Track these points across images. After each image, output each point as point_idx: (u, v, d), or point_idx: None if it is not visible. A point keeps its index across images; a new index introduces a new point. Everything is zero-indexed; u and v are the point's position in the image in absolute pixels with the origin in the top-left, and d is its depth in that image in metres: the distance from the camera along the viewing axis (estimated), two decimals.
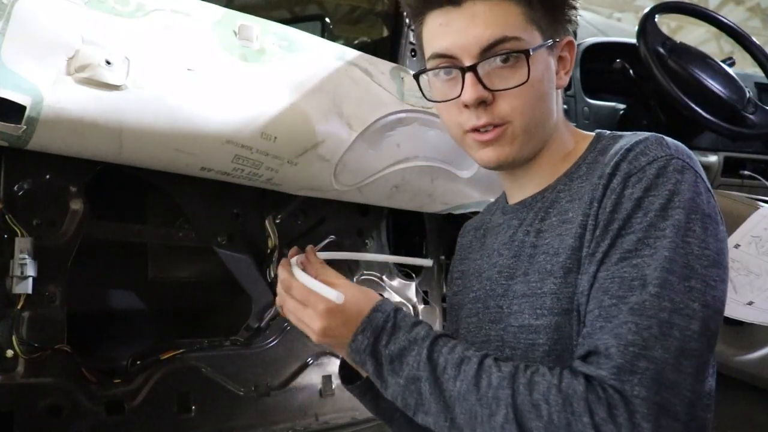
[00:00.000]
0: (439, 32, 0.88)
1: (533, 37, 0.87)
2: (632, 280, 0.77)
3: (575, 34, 0.97)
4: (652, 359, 0.72)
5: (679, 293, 0.75)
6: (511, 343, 0.89)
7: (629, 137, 0.88)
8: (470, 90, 0.86)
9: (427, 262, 1.21)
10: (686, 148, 0.86)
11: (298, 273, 0.89)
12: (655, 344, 0.73)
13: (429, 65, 0.91)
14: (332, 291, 0.84)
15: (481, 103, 0.86)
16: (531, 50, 0.85)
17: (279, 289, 0.92)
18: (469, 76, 0.85)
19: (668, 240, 0.77)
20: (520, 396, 0.75)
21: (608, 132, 0.96)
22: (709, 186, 0.85)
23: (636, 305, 0.75)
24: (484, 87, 0.85)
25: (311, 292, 0.86)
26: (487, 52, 0.85)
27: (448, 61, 0.88)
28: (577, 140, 0.96)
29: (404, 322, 0.85)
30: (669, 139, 0.86)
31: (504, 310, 0.92)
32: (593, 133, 0.97)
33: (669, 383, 0.72)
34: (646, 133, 0.88)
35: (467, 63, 0.86)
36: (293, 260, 0.93)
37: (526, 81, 0.85)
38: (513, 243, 0.96)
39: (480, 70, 0.85)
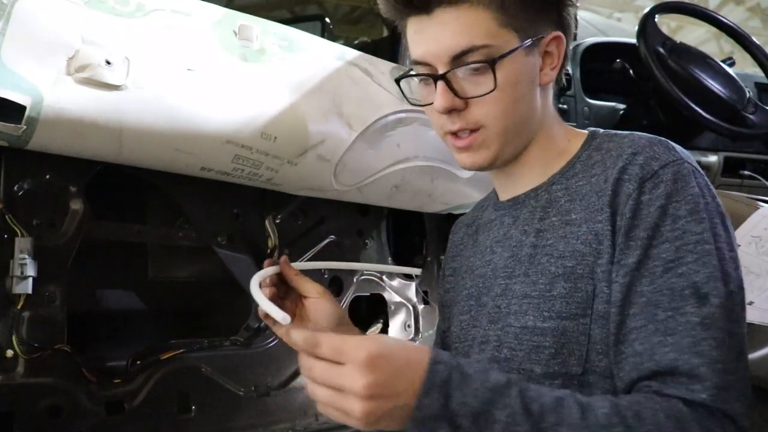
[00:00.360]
0: (415, 39, 0.89)
1: (507, 41, 0.86)
2: (683, 290, 0.77)
3: (573, 30, 0.96)
4: (734, 371, 0.75)
5: (729, 300, 0.77)
6: (511, 344, 0.88)
7: (628, 138, 0.89)
8: (440, 98, 0.87)
9: (416, 271, 1.18)
10: (687, 152, 0.88)
11: (254, 290, 0.84)
12: (732, 355, 0.75)
13: (412, 70, 0.93)
14: (278, 311, 0.76)
15: (453, 110, 0.88)
16: (497, 58, 0.84)
17: (301, 358, 0.71)
18: (440, 84, 0.87)
19: (708, 246, 0.78)
20: (634, 429, 0.69)
21: (601, 130, 0.96)
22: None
23: (706, 319, 0.75)
24: (456, 94, 0.87)
25: (344, 341, 0.68)
26: (457, 60, 0.86)
27: (425, 68, 0.89)
28: (569, 137, 0.96)
29: (472, 369, 0.71)
30: (671, 143, 0.87)
31: (502, 309, 0.91)
32: (586, 131, 0.96)
33: (745, 389, 0.76)
34: (645, 135, 0.88)
35: (440, 71, 0.87)
36: (255, 277, 0.87)
37: (493, 89, 0.85)
38: (508, 241, 0.95)
39: (451, 77, 0.87)
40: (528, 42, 0.87)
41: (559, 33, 0.91)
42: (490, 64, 0.85)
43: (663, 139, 0.87)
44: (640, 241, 0.80)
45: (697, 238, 0.79)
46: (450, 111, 0.88)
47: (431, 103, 0.89)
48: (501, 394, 0.69)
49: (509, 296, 0.90)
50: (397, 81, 0.95)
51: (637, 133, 0.90)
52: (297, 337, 0.70)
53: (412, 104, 0.96)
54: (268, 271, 0.94)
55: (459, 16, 0.85)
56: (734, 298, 0.78)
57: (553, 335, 0.84)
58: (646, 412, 0.71)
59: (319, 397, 0.69)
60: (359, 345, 0.67)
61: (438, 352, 0.71)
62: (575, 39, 0.90)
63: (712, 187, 0.85)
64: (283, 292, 0.98)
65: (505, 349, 0.88)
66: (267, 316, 0.89)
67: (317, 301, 0.98)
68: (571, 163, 0.92)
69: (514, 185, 0.97)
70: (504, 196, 1.00)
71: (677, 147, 0.86)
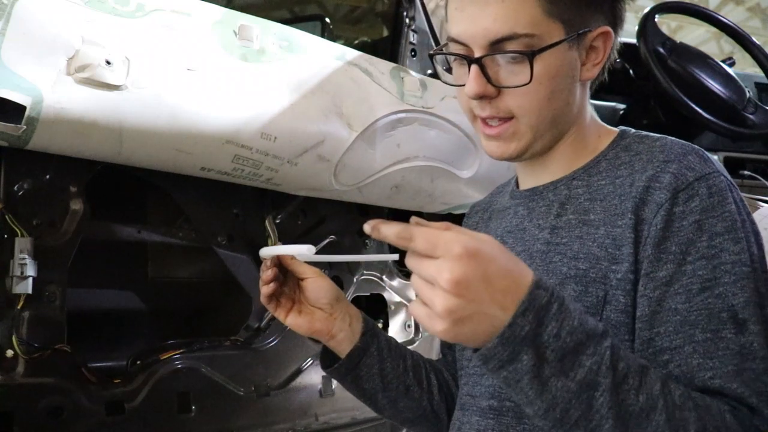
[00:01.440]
0: (454, 16, 0.85)
1: (551, 31, 0.82)
2: (720, 312, 0.74)
3: (622, 25, 0.92)
4: None
5: (765, 323, 0.75)
6: None
7: (660, 142, 0.85)
8: (472, 84, 0.83)
9: (393, 257, 1.16)
10: (719, 163, 0.85)
11: (267, 251, 0.86)
12: None
13: (447, 48, 0.88)
14: (301, 246, 0.79)
15: (485, 96, 0.84)
16: (536, 51, 0.80)
17: (409, 256, 0.65)
18: (474, 68, 0.83)
19: (746, 268, 0.76)
20: (702, 421, 0.68)
21: (632, 130, 0.92)
22: None
23: (744, 349, 0.73)
24: (489, 81, 0.83)
25: (439, 234, 0.62)
26: (495, 46, 0.81)
27: (460, 48, 0.85)
28: (600, 134, 0.92)
29: (573, 306, 0.66)
30: (705, 153, 0.83)
31: None
32: (617, 129, 0.93)
33: None
34: (678, 141, 0.84)
35: (476, 53, 0.83)
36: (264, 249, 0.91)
37: (529, 82, 0.81)
38: (521, 233, 0.91)
39: (487, 63, 0.83)
40: (573, 35, 0.83)
41: (608, 28, 0.86)
42: (529, 56, 0.81)
43: (697, 147, 0.83)
44: (672, 255, 0.76)
45: (734, 258, 0.76)
46: (481, 97, 0.84)
47: (463, 85, 0.85)
48: (594, 342, 0.65)
49: None
50: (431, 56, 0.95)
51: (669, 138, 0.86)
52: (389, 231, 0.64)
53: (444, 82, 0.93)
54: (273, 249, 0.94)
55: (506, 4, 0.81)
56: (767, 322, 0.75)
57: None
58: (714, 408, 0.70)
59: (415, 288, 0.64)
60: (455, 238, 0.61)
61: (542, 277, 0.66)
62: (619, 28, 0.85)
63: (746, 203, 0.82)
64: (281, 279, 0.96)
65: None
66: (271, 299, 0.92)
67: (314, 280, 0.96)
68: (596, 160, 0.89)
69: (536, 176, 0.93)
70: (524, 185, 0.95)
71: (712, 158, 0.83)
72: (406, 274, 1.74)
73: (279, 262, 0.93)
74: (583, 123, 0.91)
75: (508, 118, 0.85)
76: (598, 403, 0.64)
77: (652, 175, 0.80)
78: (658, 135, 0.88)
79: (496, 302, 0.62)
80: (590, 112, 0.93)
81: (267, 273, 0.92)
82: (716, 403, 0.71)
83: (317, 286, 0.96)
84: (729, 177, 0.82)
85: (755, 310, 0.74)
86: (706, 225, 0.77)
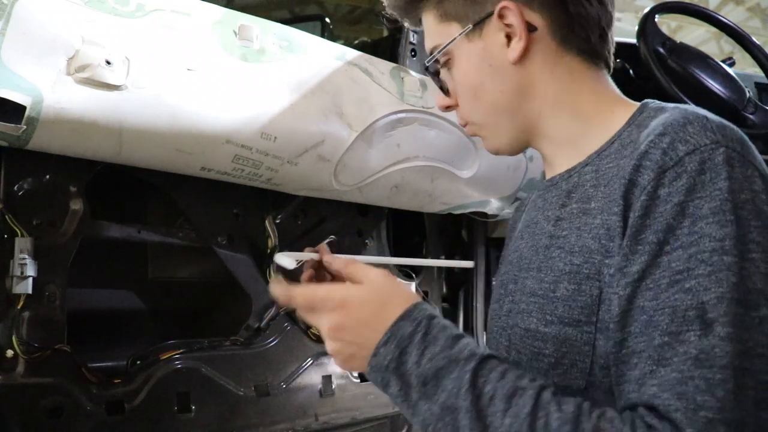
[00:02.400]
0: None
1: (450, 34, 0.85)
2: (687, 310, 0.62)
3: None
4: (730, 422, 0.59)
5: (749, 329, 0.61)
6: (517, 347, 0.80)
7: (670, 112, 0.73)
8: (436, 99, 0.92)
9: (469, 264, 1.14)
10: (738, 131, 0.70)
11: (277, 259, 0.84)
12: (732, 402, 0.59)
13: None
14: (283, 259, 0.79)
15: (450, 107, 0.90)
16: (434, 56, 0.87)
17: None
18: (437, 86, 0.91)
19: (728, 257, 0.63)
20: None
21: (655, 102, 0.80)
22: None
23: (702, 354, 0.61)
24: (446, 93, 0.90)
25: (314, 291, 0.74)
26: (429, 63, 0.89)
27: None
28: (614, 109, 0.82)
29: (442, 334, 0.69)
30: (715, 119, 0.70)
31: (515, 306, 0.82)
32: (638, 104, 0.82)
33: None
34: (693, 109, 0.72)
35: None
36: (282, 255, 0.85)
37: (447, 87, 0.89)
38: (533, 227, 0.86)
39: (443, 78, 0.90)
40: (467, 28, 0.83)
41: (506, 2, 0.80)
42: (429, 64, 0.88)
43: (704, 114, 0.70)
44: (649, 245, 0.66)
45: (715, 245, 0.63)
46: (447, 108, 0.90)
47: None
48: (459, 366, 0.67)
49: (522, 292, 0.82)
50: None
51: (684, 107, 0.74)
52: (275, 293, 0.76)
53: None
54: (301, 255, 0.86)
55: (424, 22, 0.89)
56: (765, 326, 0.62)
57: (553, 342, 0.74)
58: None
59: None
60: (327, 295, 0.73)
61: (416, 307, 0.71)
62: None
63: (764, 177, 0.68)
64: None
65: (513, 351, 0.81)
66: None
67: None
68: (610, 142, 0.79)
69: (551, 166, 0.88)
70: (547, 175, 0.91)
71: (719, 125, 0.69)
72: (406, 274, 1.74)
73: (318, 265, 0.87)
74: (567, 96, 0.83)
75: (466, 123, 0.90)
76: (461, 425, 0.65)
77: (644, 152, 0.69)
78: (677, 105, 0.77)
79: (370, 339, 0.70)
80: (588, 83, 0.84)
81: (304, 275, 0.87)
82: (616, 429, 0.61)
83: None
84: (742, 148, 0.68)
85: (728, 309, 0.61)
86: (690, 207, 0.65)
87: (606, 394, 0.70)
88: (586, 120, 0.83)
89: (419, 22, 0.91)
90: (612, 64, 0.87)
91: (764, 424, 0.60)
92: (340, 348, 0.72)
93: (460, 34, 0.83)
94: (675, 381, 0.61)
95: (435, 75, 0.90)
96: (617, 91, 0.86)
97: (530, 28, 0.81)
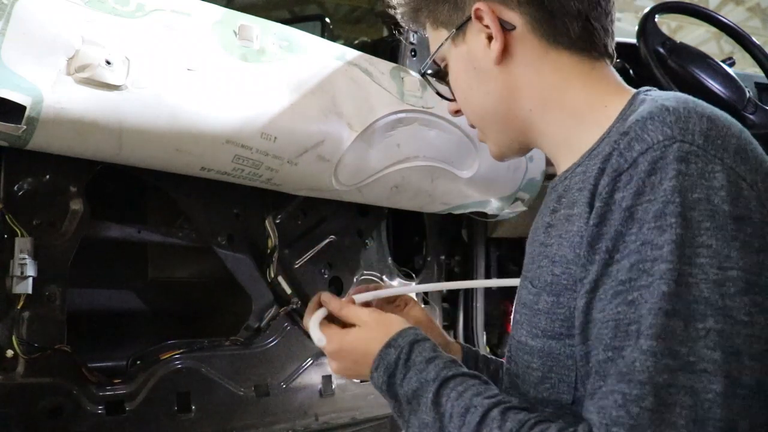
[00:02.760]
0: None
1: (440, 40, 0.87)
2: (629, 324, 0.59)
3: None
4: None
5: (686, 342, 0.56)
6: (515, 358, 0.80)
7: (647, 104, 0.69)
8: (448, 106, 0.94)
9: (514, 282, 1.13)
10: (712, 122, 0.64)
11: (312, 320, 0.93)
12: (647, 420, 0.55)
13: None
14: (315, 334, 0.88)
15: (458, 112, 0.92)
16: (427, 63, 0.89)
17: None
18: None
19: (665, 265, 0.58)
20: None
21: (644, 91, 0.76)
22: (743, 174, 0.62)
23: (624, 367, 0.58)
24: (454, 99, 0.92)
25: (324, 339, 0.88)
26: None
27: None
28: (606, 103, 0.76)
29: (418, 358, 0.78)
30: (683, 110, 0.64)
31: (514, 316, 0.82)
32: (630, 93, 0.77)
33: None
34: (666, 101, 0.67)
35: None
36: (319, 312, 0.94)
37: (444, 94, 0.92)
38: (533, 234, 0.83)
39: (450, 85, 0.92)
40: (451, 33, 0.84)
41: (478, 4, 0.79)
42: (424, 71, 0.91)
43: (676, 105, 0.65)
44: (601, 254, 0.63)
45: (656, 254, 0.59)
46: (457, 112, 0.92)
47: None
48: (427, 386, 0.75)
49: (518, 303, 0.80)
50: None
51: (665, 96, 0.70)
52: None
53: None
54: (316, 317, 0.94)
55: (427, 32, 0.91)
56: (710, 339, 0.56)
57: (540, 356, 0.73)
58: None
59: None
60: (329, 344, 0.87)
61: (400, 335, 0.81)
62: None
63: (725, 173, 0.61)
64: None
65: (512, 363, 0.81)
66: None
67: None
68: (600, 140, 0.73)
69: (556, 166, 0.84)
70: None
71: (685, 116, 0.63)
72: (406, 274, 1.74)
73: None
74: (554, 94, 0.79)
75: (473, 127, 0.92)
76: None
77: (608, 153, 0.66)
78: (663, 94, 0.72)
79: (365, 367, 0.83)
80: (578, 79, 0.79)
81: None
82: None
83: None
84: (704, 141, 0.62)
85: (655, 320, 0.57)
86: (638, 212, 0.61)
87: None
88: (578, 117, 0.78)
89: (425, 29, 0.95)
90: (613, 53, 0.82)
91: None
92: (349, 376, 0.93)
93: (446, 40, 0.85)
94: (601, 396, 0.60)
95: (440, 80, 0.92)
96: (616, 80, 0.81)
97: (508, 27, 0.79)
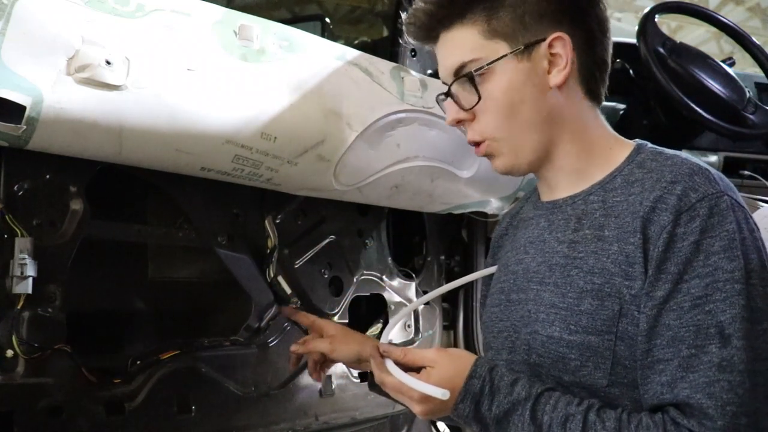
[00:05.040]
0: (438, 62, 0.99)
1: (496, 50, 0.90)
2: (708, 328, 0.79)
3: (596, 28, 0.94)
4: (749, 413, 0.77)
5: (757, 339, 0.79)
6: (539, 351, 0.93)
7: (671, 161, 0.88)
8: (448, 112, 0.97)
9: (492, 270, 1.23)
10: (728, 182, 0.87)
11: (398, 373, 0.93)
12: (749, 398, 0.77)
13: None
14: (437, 390, 0.88)
15: (461, 122, 0.95)
16: (473, 71, 0.90)
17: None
18: (448, 99, 0.95)
19: (739, 285, 0.79)
20: None
21: (649, 145, 0.95)
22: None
23: (724, 361, 0.78)
24: (460, 107, 0.94)
25: (401, 384, 0.90)
26: (455, 77, 0.94)
27: (445, 87, 0.98)
28: (611, 146, 0.96)
29: (503, 383, 0.88)
30: (714, 173, 0.86)
31: (531, 314, 0.94)
32: (632, 143, 0.96)
33: (766, 429, 0.78)
34: (689, 160, 0.87)
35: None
36: (388, 362, 0.95)
37: (479, 100, 0.91)
38: (541, 245, 0.97)
39: (456, 92, 0.94)
40: (518, 49, 0.89)
41: (560, 33, 0.90)
42: (469, 77, 0.91)
43: (705, 167, 0.87)
44: (671, 275, 0.81)
45: (727, 276, 0.80)
46: (458, 122, 0.95)
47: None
48: (521, 405, 0.85)
49: (538, 303, 0.94)
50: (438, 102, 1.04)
51: (681, 156, 0.89)
52: (375, 373, 0.95)
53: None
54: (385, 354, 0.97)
55: (453, 37, 0.93)
56: (762, 336, 0.79)
57: (578, 349, 0.87)
58: None
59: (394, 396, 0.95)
60: (411, 392, 0.89)
61: (478, 366, 0.89)
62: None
63: (752, 219, 0.85)
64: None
65: (534, 354, 0.93)
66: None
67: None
68: (612, 176, 0.93)
69: (551, 189, 0.99)
70: (544, 196, 1.02)
71: (719, 177, 0.86)
72: (406, 275, 1.74)
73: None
74: (581, 130, 0.95)
75: (483, 139, 0.95)
76: None
77: (659, 196, 0.84)
78: (672, 152, 0.91)
79: (450, 403, 0.88)
80: (594, 121, 0.97)
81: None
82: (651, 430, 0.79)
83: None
84: (736, 196, 0.85)
85: (741, 325, 0.78)
86: (704, 245, 0.81)
87: (626, 388, 0.86)
88: (590, 153, 0.95)
89: (436, 39, 0.95)
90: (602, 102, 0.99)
91: (762, 412, 0.78)
92: (431, 415, 0.95)
93: (511, 52, 0.89)
94: (704, 384, 0.78)
95: (470, 83, 0.93)
96: (610, 128, 0.99)
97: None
